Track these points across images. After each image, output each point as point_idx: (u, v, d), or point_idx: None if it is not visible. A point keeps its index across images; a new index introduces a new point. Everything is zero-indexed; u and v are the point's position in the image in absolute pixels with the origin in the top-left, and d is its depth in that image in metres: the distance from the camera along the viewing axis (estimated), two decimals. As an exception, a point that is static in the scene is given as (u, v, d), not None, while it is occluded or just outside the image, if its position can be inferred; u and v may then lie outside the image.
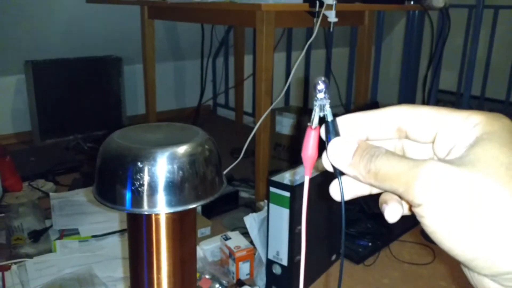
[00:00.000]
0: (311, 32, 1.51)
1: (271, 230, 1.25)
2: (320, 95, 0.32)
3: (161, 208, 0.49)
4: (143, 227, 0.52)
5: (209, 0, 1.53)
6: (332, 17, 1.46)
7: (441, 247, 0.28)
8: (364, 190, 0.34)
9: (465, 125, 0.29)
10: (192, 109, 2.96)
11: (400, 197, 0.29)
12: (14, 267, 1.35)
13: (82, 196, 1.74)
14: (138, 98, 2.88)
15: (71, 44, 2.53)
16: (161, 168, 0.48)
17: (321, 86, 0.32)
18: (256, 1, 1.45)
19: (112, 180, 0.50)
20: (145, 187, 0.48)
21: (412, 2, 1.83)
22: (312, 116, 0.33)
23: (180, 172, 0.49)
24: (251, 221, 1.31)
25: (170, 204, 0.49)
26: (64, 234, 1.51)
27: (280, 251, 1.25)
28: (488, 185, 0.26)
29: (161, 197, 0.49)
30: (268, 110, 1.52)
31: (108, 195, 0.51)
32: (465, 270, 0.30)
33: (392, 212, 0.31)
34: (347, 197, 0.34)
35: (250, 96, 3.00)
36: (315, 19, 1.45)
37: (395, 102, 2.81)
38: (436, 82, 2.34)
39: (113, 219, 1.58)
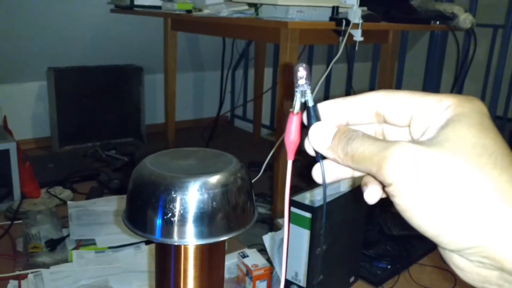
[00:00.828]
0: (332, 46, 1.49)
1: (290, 251, 1.23)
2: (301, 81, 0.33)
3: (191, 239, 0.48)
4: (171, 257, 0.51)
5: (234, 16, 1.52)
6: (358, 36, 1.44)
7: (410, 224, 0.29)
8: (346, 173, 0.35)
9: (437, 108, 0.30)
10: (210, 120, 2.96)
11: (375, 177, 0.30)
12: (30, 276, 1.35)
13: (99, 205, 1.74)
14: (157, 107, 2.90)
15: (93, 52, 2.55)
16: (193, 198, 0.47)
17: (301, 72, 0.33)
18: (281, 19, 1.44)
19: (143, 208, 0.48)
20: (176, 217, 0.47)
21: (438, 22, 1.81)
22: (294, 102, 0.34)
23: (214, 203, 0.47)
24: (270, 240, 1.30)
25: (201, 235, 0.48)
26: (80, 244, 1.51)
27: (298, 272, 1.23)
28: (454, 164, 0.27)
29: (192, 228, 0.47)
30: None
31: (138, 222, 0.50)
32: (439, 248, 0.30)
33: (371, 194, 0.33)
34: (329, 179, 0.35)
35: (268, 108, 3.00)
36: (340, 38, 1.44)
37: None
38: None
39: (129, 231, 1.57)
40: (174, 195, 0.47)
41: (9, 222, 1.65)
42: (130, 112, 2.72)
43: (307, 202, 1.21)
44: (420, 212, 0.28)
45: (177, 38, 2.27)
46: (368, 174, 0.32)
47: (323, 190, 0.35)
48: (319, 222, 1.18)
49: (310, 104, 0.33)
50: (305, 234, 1.19)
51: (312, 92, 0.34)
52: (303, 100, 0.33)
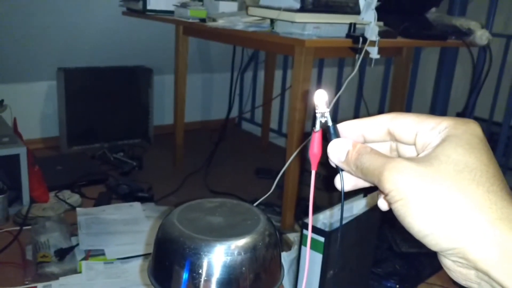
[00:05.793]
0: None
1: (301, 273, 1.22)
2: (321, 104, 0.39)
3: (218, 302, 0.47)
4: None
5: (250, 29, 1.51)
6: (374, 53, 1.43)
7: (403, 226, 0.34)
8: (362, 183, 0.40)
9: (437, 129, 0.35)
10: (217, 121, 2.95)
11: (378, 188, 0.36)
12: (40, 286, 1.35)
13: (108, 213, 1.73)
14: (165, 108, 2.88)
15: (103, 53, 2.54)
16: (222, 263, 0.46)
17: (321, 97, 0.39)
18: (298, 35, 1.42)
19: (170, 268, 0.47)
20: (202, 281, 0.46)
21: (453, 38, 1.78)
22: (315, 122, 0.40)
23: (243, 268, 0.46)
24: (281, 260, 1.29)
25: (229, 301, 0.47)
26: (90, 254, 1.51)
27: (309, 294, 1.22)
28: (436, 179, 0.32)
29: (221, 293, 0.47)
30: (302, 146, 1.50)
31: (164, 282, 0.49)
32: None
33: (383, 202, 0.38)
34: (348, 187, 0.41)
35: (277, 112, 2.98)
36: (357, 56, 1.42)
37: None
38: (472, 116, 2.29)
39: (138, 242, 1.57)
40: (202, 260, 0.46)
41: (18, 228, 1.65)
42: (138, 114, 2.71)
43: (319, 224, 1.20)
44: (409, 217, 0.33)
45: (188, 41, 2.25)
46: (372, 183, 0.37)
47: (341, 197, 0.41)
48: (332, 246, 1.17)
49: (330, 123, 0.40)
50: (318, 257, 1.18)
51: (330, 113, 0.40)
52: (323, 121, 0.40)
